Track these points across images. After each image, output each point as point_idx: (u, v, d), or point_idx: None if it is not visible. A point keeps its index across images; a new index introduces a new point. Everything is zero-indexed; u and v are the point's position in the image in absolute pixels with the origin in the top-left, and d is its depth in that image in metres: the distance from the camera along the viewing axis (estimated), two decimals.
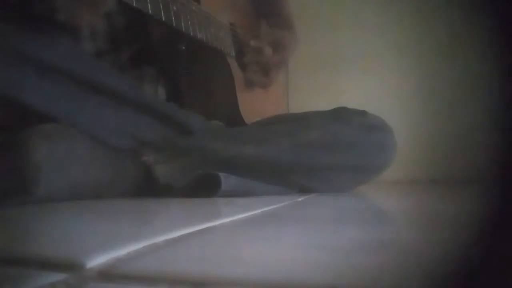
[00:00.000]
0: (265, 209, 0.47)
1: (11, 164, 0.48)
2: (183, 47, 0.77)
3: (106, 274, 0.19)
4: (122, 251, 0.23)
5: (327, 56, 1.40)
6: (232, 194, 0.61)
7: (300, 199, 0.62)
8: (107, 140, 0.58)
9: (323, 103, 0.79)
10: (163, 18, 0.62)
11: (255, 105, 0.90)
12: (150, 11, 0.59)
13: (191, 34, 0.69)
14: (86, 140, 0.55)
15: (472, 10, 1.24)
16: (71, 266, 0.20)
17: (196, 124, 0.69)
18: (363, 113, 0.75)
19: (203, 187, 0.60)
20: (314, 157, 0.68)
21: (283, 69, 0.96)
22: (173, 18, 0.65)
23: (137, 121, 0.62)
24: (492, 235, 0.31)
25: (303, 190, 0.71)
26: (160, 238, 0.26)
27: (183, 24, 0.67)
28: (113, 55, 0.72)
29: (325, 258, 0.22)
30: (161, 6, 0.62)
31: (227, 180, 0.60)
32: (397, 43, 1.36)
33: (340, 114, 0.74)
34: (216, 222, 0.35)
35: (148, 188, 0.61)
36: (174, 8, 0.65)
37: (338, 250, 0.24)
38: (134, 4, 0.57)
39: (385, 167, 0.77)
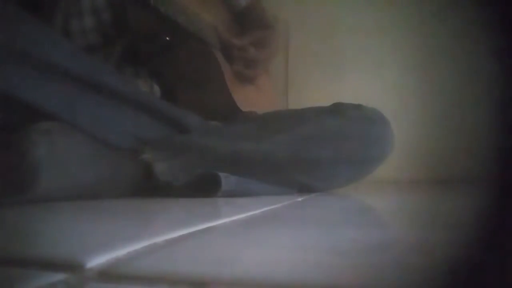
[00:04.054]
0: (265, 209, 0.47)
1: (11, 162, 0.48)
2: (167, 38, 0.76)
3: (106, 274, 0.19)
4: (122, 251, 0.23)
5: (327, 56, 1.40)
6: (232, 194, 0.61)
7: (300, 199, 0.62)
8: (106, 138, 0.58)
9: (323, 103, 0.79)
10: None
11: (254, 105, 0.90)
12: None
13: (172, 17, 0.68)
14: (86, 139, 0.55)
15: (472, 10, 1.24)
16: (71, 266, 0.20)
17: (194, 123, 0.69)
18: (359, 106, 0.75)
19: (203, 187, 0.60)
20: (312, 151, 0.68)
21: (269, 64, 0.97)
22: None
23: (136, 120, 0.62)
24: (492, 235, 0.31)
25: (302, 189, 0.71)
26: (160, 238, 0.26)
27: (161, 6, 0.66)
28: (104, 53, 0.72)
29: (325, 259, 0.22)
30: None
31: (227, 180, 0.60)
32: (397, 42, 1.36)
33: (336, 109, 0.74)
34: (216, 222, 0.35)
35: (148, 187, 0.61)
36: None
37: (338, 250, 0.24)
38: None
39: (383, 159, 0.76)
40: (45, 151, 0.48)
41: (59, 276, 0.18)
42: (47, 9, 0.69)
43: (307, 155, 0.68)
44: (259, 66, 0.88)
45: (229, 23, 0.92)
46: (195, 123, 0.69)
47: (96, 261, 0.20)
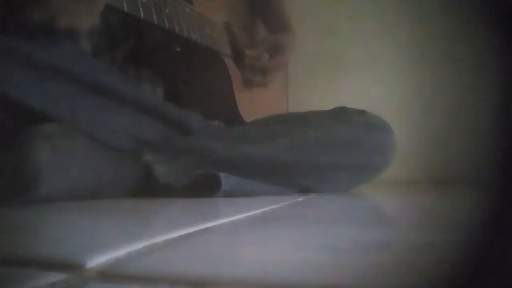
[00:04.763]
0: (265, 209, 0.47)
1: (13, 164, 0.48)
2: (178, 49, 0.77)
3: (106, 274, 0.19)
4: (122, 251, 0.23)
5: (327, 56, 1.40)
6: (232, 194, 0.61)
7: (300, 199, 0.62)
8: (107, 140, 0.58)
9: (323, 103, 0.79)
10: (155, 21, 0.62)
11: (254, 104, 0.90)
12: (142, 15, 0.59)
13: (185, 35, 0.69)
14: (87, 140, 0.55)
15: (472, 10, 1.24)
16: (71, 266, 0.20)
17: (196, 124, 0.69)
18: (362, 113, 0.75)
19: (203, 187, 0.60)
20: (313, 156, 0.68)
21: (282, 70, 0.96)
22: (166, 21, 0.64)
23: (137, 121, 0.62)
24: (492, 235, 0.31)
25: (303, 190, 0.71)
26: (160, 238, 0.26)
27: (176, 26, 0.67)
28: (109, 54, 0.72)
29: (325, 258, 0.22)
30: (153, 9, 0.62)
31: (227, 180, 0.60)
32: (397, 43, 1.36)
33: (340, 114, 0.74)
34: (216, 222, 0.35)
35: (148, 188, 0.61)
36: (167, 10, 0.65)
37: (338, 250, 0.24)
38: (126, 10, 0.56)
39: (385, 167, 0.77)
40: (47, 156, 0.48)
41: (59, 276, 0.18)
42: None
43: (309, 160, 0.68)
44: (271, 75, 0.88)
45: (244, 18, 0.92)
46: (197, 124, 0.69)
47: (96, 261, 0.20)
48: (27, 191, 0.47)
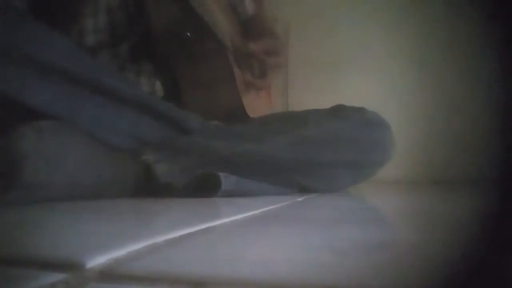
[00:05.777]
0: (265, 209, 0.47)
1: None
2: (188, 34, 0.76)
3: (106, 274, 0.19)
4: (122, 251, 0.23)
5: (327, 56, 1.40)
6: (232, 194, 0.61)
7: (300, 199, 0.62)
8: (107, 139, 0.58)
9: (323, 103, 0.79)
10: None
11: (254, 104, 0.90)
12: None
13: (200, 15, 0.69)
14: (86, 139, 0.55)
15: (472, 10, 1.24)
16: (71, 266, 0.20)
17: (195, 124, 0.69)
18: (361, 110, 0.75)
19: (203, 187, 0.60)
20: (313, 153, 0.68)
21: (279, 73, 0.97)
22: None
23: (137, 121, 0.62)
24: (492, 236, 0.31)
25: (303, 189, 0.71)
26: (160, 238, 0.26)
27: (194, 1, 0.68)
28: (113, 48, 0.72)
29: (325, 258, 0.22)
30: None
31: (227, 180, 0.60)
32: (397, 43, 1.36)
33: (338, 111, 0.74)
34: (216, 222, 0.35)
35: (148, 188, 0.61)
36: None
37: (338, 250, 0.24)
38: None
39: (383, 164, 0.77)
40: (31, 144, 0.48)
41: (59, 276, 0.18)
42: (70, 12, 0.69)
43: (308, 157, 0.68)
44: (268, 75, 0.88)
45: (238, 32, 0.93)
46: (196, 124, 0.69)
47: (96, 261, 0.20)
48: (11, 181, 0.46)
